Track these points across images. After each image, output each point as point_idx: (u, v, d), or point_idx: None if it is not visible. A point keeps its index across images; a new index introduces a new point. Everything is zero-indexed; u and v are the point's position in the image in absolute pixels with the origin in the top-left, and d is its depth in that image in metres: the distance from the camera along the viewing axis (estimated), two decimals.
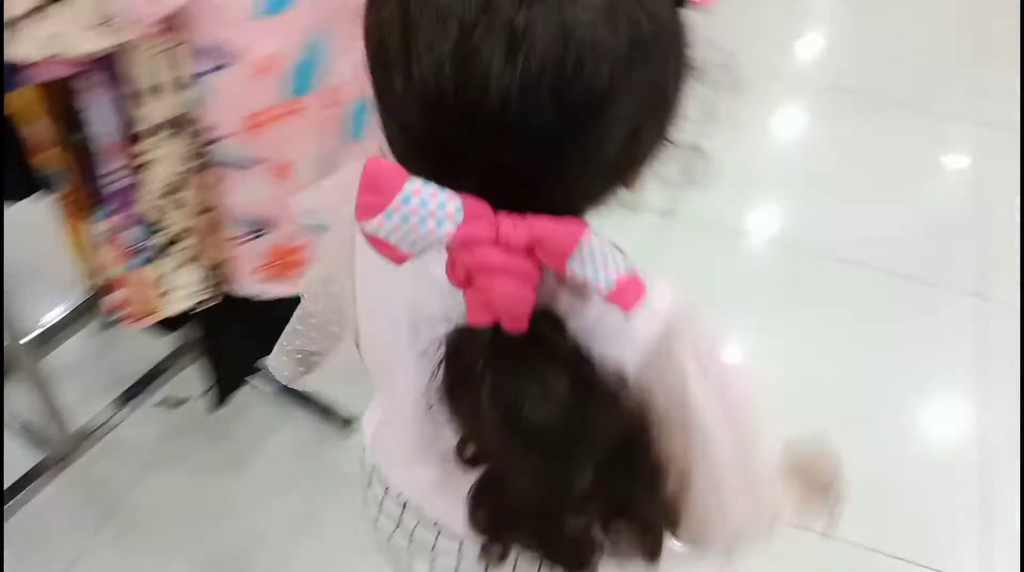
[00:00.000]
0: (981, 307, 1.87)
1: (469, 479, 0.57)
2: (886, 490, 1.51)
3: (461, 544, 0.71)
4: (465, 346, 0.50)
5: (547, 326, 0.49)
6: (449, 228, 0.45)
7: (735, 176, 1.62)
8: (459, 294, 0.49)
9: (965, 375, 1.73)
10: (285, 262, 1.06)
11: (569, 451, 0.50)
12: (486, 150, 0.45)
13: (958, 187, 2.19)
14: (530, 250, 0.46)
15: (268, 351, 0.81)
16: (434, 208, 0.45)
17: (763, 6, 2.69)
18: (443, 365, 0.51)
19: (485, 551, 0.60)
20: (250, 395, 1.53)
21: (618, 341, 0.51)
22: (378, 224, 0.46)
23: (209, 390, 1.33)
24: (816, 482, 0.66)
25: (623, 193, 0.51)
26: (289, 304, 0.93)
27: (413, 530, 0.74)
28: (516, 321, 0.48)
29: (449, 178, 0.46)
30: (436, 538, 0.72)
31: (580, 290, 0.50)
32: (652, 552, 0.57)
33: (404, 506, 0.74)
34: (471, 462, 0.56)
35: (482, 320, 0.48)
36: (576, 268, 0.47)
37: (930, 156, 2.30)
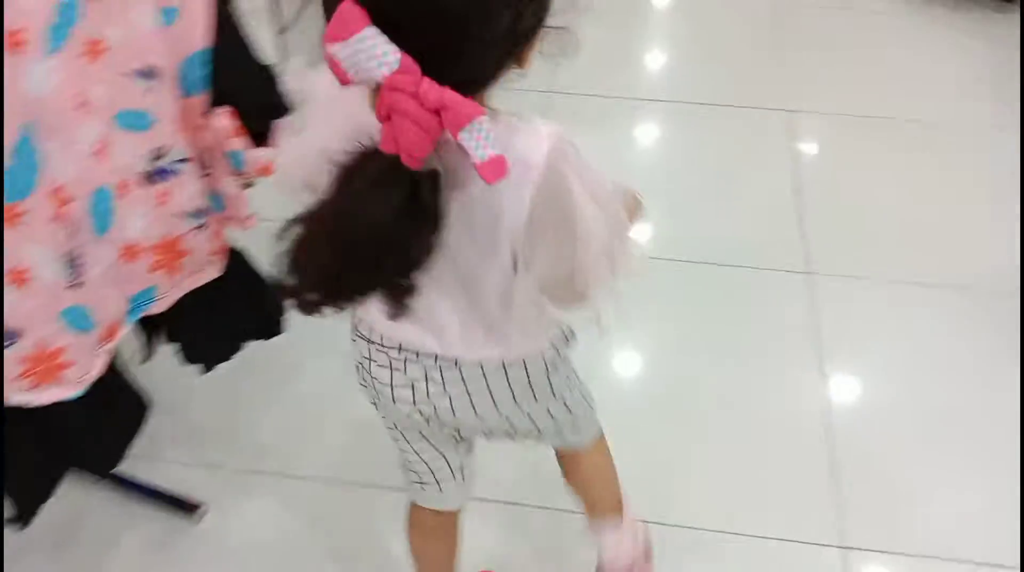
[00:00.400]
0: (813, 284, 1.94)
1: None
2: (747, 469, 1.58)
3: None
4: (371, 161, 0.67)
5: (429, 178, 0.68)
6: (385, 71, 0.62)
7: None
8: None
9: (808, 349, 1.80)
10: (49, 367, 1.07)
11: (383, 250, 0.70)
12: (417, 27, 0.63)
13: (780, 173, 2.28)
14: (436, 112, 0.63)
15: (62, 459, 0.83)
16: (379, 53, 0.62)
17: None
18: (349, 161, 0.68)
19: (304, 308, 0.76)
20: (90, 499, 1.52)
21: (517, 187, 0.71)
22: (336, 50, 0.62)
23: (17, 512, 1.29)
24: (631, 209, 0.87)
25: (516, 71, 0.71)
26: (77, 410, 0.93)
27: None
28: (412, 160, 0.65)
29: (397, 42, 0.62)
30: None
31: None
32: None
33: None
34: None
35: (389, 150, 0.66)
36: (464, 138, 0.64)
37: (752, 148, 2.40)
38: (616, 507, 1.26)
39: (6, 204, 0.95)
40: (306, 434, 1.68)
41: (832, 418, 1.68)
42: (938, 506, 1.54)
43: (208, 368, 1.45)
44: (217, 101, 1.15)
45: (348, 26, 0.61)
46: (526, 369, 0.93)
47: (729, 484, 1.59)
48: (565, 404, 1.02)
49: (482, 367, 0.91)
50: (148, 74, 1.04)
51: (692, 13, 3.09)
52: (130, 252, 1.14)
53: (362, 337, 0.95)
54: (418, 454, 1.06)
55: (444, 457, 1.07)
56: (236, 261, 1.35)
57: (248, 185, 1.31)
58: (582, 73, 2.66)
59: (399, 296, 0.78)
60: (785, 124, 2.47)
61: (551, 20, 0.71)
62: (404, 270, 0.74)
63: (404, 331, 0.89)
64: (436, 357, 0.91)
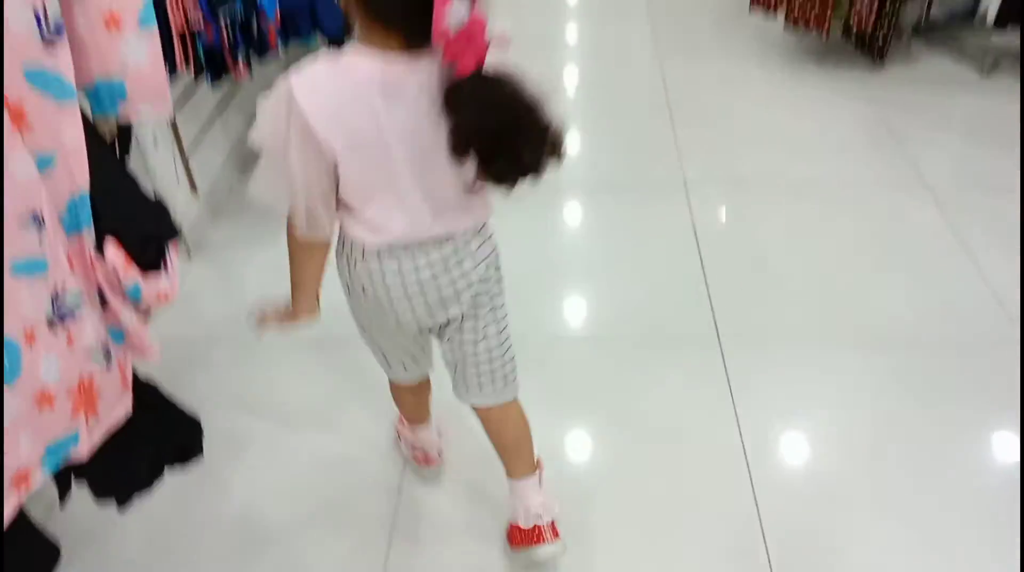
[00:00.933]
0: (720, 346, 1.99)
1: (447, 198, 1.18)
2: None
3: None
4: (462, 85, 1.02)
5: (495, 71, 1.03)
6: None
7: None
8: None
9: (722, 406, 1.83)
10: None
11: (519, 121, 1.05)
12: None
13: (681, 242, 2.37)
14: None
15: None
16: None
17: None
18: (451, 104, 1.03)
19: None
20: None
21: None
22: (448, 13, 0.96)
23: None
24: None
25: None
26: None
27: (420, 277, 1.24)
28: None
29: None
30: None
31: None
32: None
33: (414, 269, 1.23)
34: (461, 152, 1.05)
35: (470, 69, 1.00)
36: None
37: (653, 223, 2.49)
38: (533, 465, 1.51)
39: None
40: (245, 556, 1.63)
41: (757, 491, 1.66)
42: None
43: (124, 502, 1.42)
44: (104, 235, 1.17)
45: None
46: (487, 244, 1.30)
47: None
48: (500, 322, 1.36)
49: (463, 237, 1.25)
50: (35, 219, 1.07)
51: (589, 98, 3.24)
52: (45, 398, 1.14)
53: (370, 258, 1.21)
54: (383, 351, 1.44)
55: (403, 349, 1.44)
56: (144, 391, 1.35)
57: (147, 314, 1.32)
58: None
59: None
60: (682, 194, 2.58)
61: None
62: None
63: (430, 226, 1.20)
64: (437, 240, 1.22)
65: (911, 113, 2.96)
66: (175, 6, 2.10)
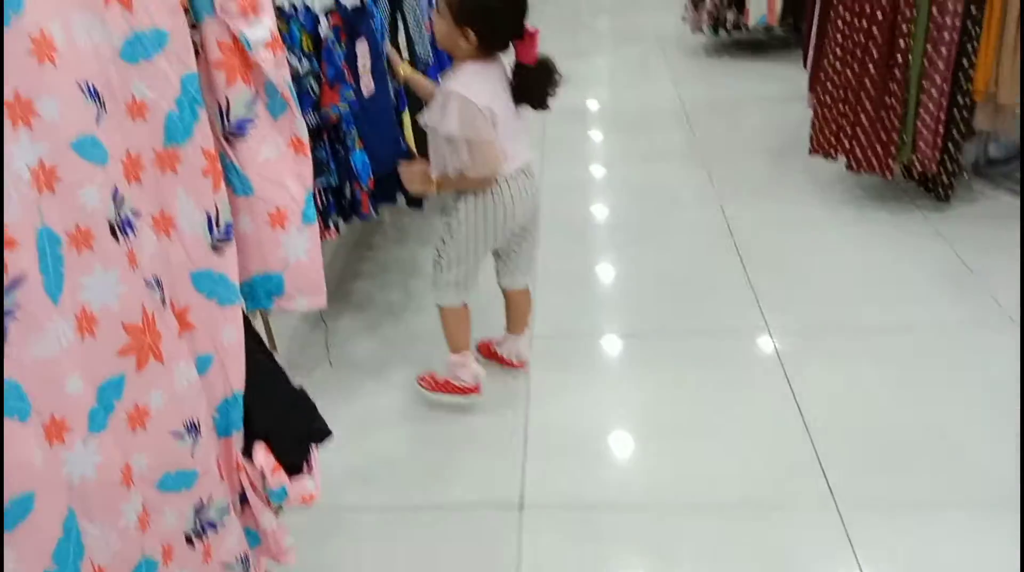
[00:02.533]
0: (841, 516, 1.88)
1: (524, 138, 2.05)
2: None
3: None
4: (526, 70, 1.91)
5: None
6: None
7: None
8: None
9: None
10: None
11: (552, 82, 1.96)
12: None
13: (773, 397, 2.29)
14: None
15: None
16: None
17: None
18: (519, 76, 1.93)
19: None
20: None
21: None
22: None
23: None
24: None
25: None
26: None
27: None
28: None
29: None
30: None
31: None
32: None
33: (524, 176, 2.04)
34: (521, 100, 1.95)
35: (528, 60, 1.90)
36: None
37: (741, 375, 2.42)
38: (525, 325, 2.36)
39: None
40: None
41: None
42: None
43: None
44: (253, 437, 1.11)
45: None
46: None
47: None
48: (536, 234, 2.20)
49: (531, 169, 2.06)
50: (191, 429, 1.01)
51: (651, 242, 3.23)
52: None
53: (503, 189, 1.98)
54: (471, 265, 2.11)
55: (480, 264, 2.15)
56: None
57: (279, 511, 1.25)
58: (553, 315, 2.73)
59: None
60: (768, 342, 2.51)
61: None
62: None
63: (519, 155, 2.00)
64: (527, 165, 2.04)
65: (982, 248, 2.92)
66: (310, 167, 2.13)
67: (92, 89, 0.85)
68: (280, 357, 2.46)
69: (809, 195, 3.47)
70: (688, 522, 1.91)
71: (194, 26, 1.01)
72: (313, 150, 2.11)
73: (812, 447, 2.09)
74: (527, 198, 2.05)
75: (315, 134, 2.12)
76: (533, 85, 1.94)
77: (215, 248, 1.04)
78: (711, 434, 2.18)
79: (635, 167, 3.99)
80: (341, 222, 2.30)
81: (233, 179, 1.09)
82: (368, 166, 2.21)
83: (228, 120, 1.05)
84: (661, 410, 2.30)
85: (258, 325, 2.38)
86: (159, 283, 0.96)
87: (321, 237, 2.26)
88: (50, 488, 0.81)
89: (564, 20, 6.99)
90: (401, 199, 2.58)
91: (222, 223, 1.04)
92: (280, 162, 1.11)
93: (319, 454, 1.21)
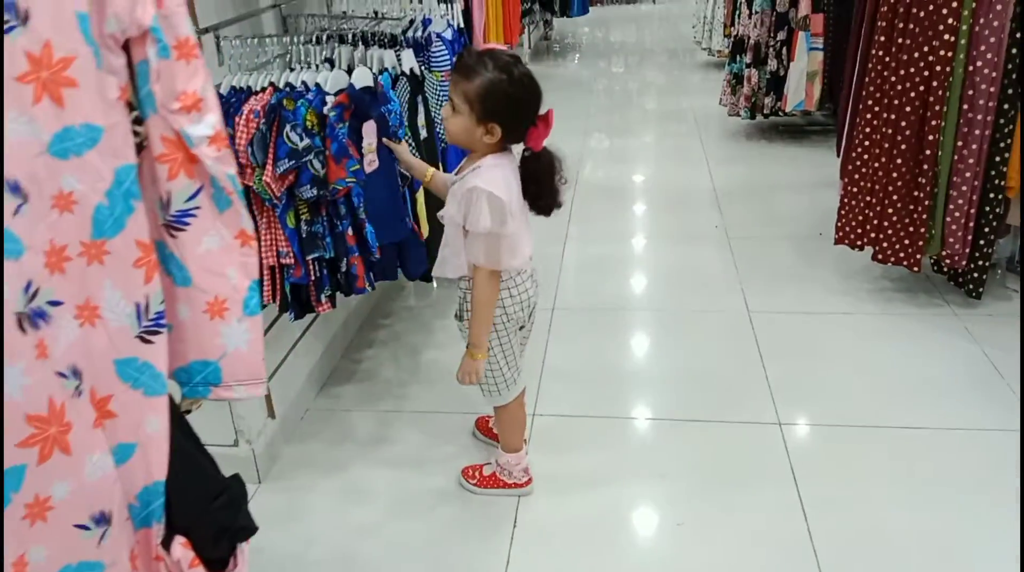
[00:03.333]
0: None
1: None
2: None
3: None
4: (537, 158, 1.89)
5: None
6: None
7: None
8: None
9: None
10: None
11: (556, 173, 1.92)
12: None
13: (784, 492, 2.19)
14: None
15: None
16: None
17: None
18: (526, 164, 1.91)
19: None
20: None
21: None
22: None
23: None
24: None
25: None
26: None
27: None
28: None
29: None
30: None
31: None
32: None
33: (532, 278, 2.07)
34: (536, 198, 1.94)
35: (539, 147, 1.88)
36: None
37: (751, 465, 2.33)
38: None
39: None
40: None
41: None
42: None
43: None
44: (173, 531, 1.10)
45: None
46: None
47: None
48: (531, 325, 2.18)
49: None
50: (100, 520, 1.00)
51: (669, 325, 3.17)
52: None
53: (516, 282, 1.99)
54: (516, 358, 2.10)
55: (518, 354, 2.13)
56: None
57: None
58: (567, 396, 2.68)
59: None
60: (779, 438, 2.42)
61: None
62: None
63: (528, 247, 1.98)
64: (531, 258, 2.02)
65: (1013, 350, 2.80)
66: (268, 247, 2.16)
67: (13, 183, 0.87)
68: (278, 422, 2.48)
69: (834, 285, 3.39)
70: None
71: (142, 122, 1.04)
72: (310, 224, 2.17)
73: (813, 553, 1.99)
74: (533, 286, 2.05)
75: (313, 208, 2.15)
76: (543, 177, 1.90)
77: (142, 338, 1.04)
78: (710, 532, 2.11)
79: (663, 246, 3.97)
80: (338, 295, 2.31)
81: (172, 269, 1.10)
82: (374, 235, 2.23)
83: (169, 211, 1.07)
84: (660, 502, 2.23)
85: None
86: (76, 372, 0.97)
87: (315, 309, 2.28)
88: None
89: (615, 99, 7.11)
90: (401, 276, 2.58)
91: (152, 312, 1.04)
92: (223, 253, 1.11)
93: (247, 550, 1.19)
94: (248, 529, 1.16)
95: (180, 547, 1.09)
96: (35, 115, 0.89)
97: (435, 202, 2.76)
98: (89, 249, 0.97)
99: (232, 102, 2.12)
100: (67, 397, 0.94)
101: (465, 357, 2.01)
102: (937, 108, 2.90)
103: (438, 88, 2.79)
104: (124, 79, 1.01)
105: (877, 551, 2.00)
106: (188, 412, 1.18)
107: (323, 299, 2.22)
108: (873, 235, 3.19)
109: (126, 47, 1.02)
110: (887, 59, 3.03)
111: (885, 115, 3.06)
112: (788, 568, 1.97)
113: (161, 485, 1.07)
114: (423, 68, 2.68)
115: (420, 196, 2.63)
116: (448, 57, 2.83)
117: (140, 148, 1.04)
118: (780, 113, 5.11)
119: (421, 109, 2.65)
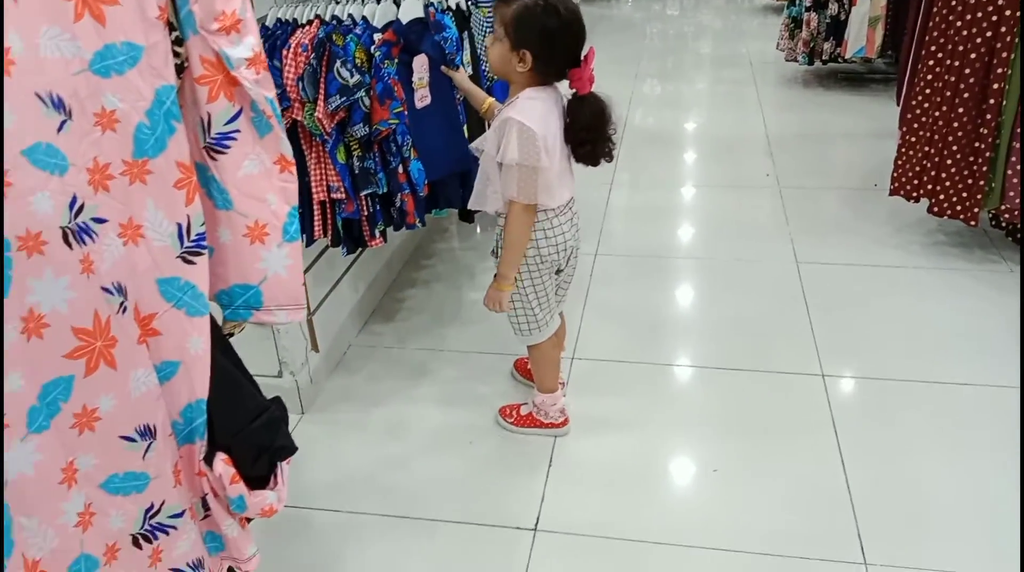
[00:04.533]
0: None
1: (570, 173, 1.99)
2: None
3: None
4: (587, 100, 1.84)
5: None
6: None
7: None
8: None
9: None
10: None
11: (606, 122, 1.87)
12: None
13: (823, 447, 2.18)
14: None
15: None
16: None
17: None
18: (572, 109, 1.87)
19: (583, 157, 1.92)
20: None
21: None
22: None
23: None
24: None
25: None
26: None
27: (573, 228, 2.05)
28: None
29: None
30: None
31: None
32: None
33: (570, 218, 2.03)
34: (579, 145, 1.88)
35: (584, 90, 1.82)
36: None
37: (792, 417, 2.31)
38: (562, 348, 2.37)
39: None
40: None
41: None
42: None
43: None
44: (215, 447, 1.13)
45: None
46: None
47: None
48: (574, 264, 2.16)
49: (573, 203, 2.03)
50: (145, 433, 1.03)
51: (714, 273, 3.13)
52: None
53: (553, 224, 1.96)
54: (549, 299, 2.09)
55: (552, 294, 2.11)
56: None
57: (248, 520, 1.26)
58: (607, 341, 2.68)
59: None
60: (821, 389, 2.39)
61: None
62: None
63: (568, 189, 1.97)
64: (571, 201, 2.01)
65: None
66: (318, 182, 2.17)
67: (56, 99, 0.88)
68: (322, 356, 2.53)
69: (886, 237, 3.30)
70: (708, 565, 1.84)
71: (182, 43, 1.04)
72: (363, 160, 2.17)
73: (851, 505, 1.98)
74: (572, 230, 2.02)
75: (366, 145, 2.15)
76: (588, 122, 1.84)
77: (184, 258, 1.06)
78: (748, 480, 2.10)
79: (712, 194, 3.90)
80: (390, 230, 2.32)
81: (213, 192, 1.11)
82: (423, 174, 2.23)
83: (209, 134, 1.07)
84: (699, 448, 2.23)
85: (304, 326, 2.44)
86: (121, 289, 0.99)
87: (367, 244, 2.30)
88: None
89: (669, 43, 6.94)
90: (454, 212, 2.59)
91: (193, 234, 1.06)
92: (263, 178, 1.12)
93: (289, 468, 1.22)
94: (287, 448, 1.19)
95: (221, 463, 1.12)
96: (77, 32, 0.90)
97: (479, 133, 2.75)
98: (131, 168, 0.98)
99: (278, 34, 2.11)
100: (112, 313, 0.97)
101: (491, 285, 2.02)
102: (1004, 55, 2.77)
103: (484, 24, 2.74)
104: None
105: (914, 504, 1.98)
106: (231, 335, 1.20)
107: (376, 234, 2.23)
108: (930, 187, 3.09)
109: None
110: (953, 2, 2.89)
111: (948, 62, 2.93)
112: (824, 517, 1.96)
113: (203, 403, 1.10)
114: (469, 3, 2.64)
115: (463, 131, 2.62)
116: None
117: (180, 70, 1.04)
118: (839, 59, 4.94)
119: (467, 45, 2.61)
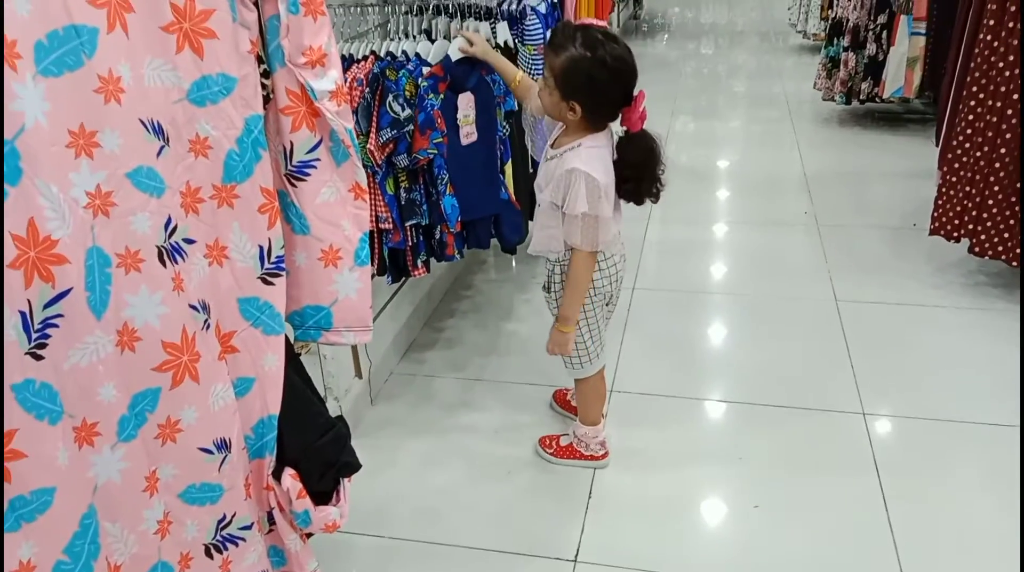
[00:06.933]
0: None
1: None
2: None
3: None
4: (636, 139, 1.85)
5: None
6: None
7: None
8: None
9: None
10: None
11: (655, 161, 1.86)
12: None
13: (865, 485, 2.16)
14: None
15: None
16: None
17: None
18: (622, 147, 1.88)
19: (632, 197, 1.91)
20: None
21: None
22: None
23: None
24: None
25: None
26: None
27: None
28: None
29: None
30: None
31: None
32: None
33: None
34: (623, 182, 1.88)
35: (635, 128, 1.81)
36: None
37: (832, 454, 2.30)
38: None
39: None
40: None
41: None
42: None
43: None
44: (283, 462, 1.16)
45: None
46: None
47: None
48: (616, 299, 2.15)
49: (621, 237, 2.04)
50: (221, 446, 1.07)
51: (754, 310, 3.14)
52: None
53: (606, 256, 1.98)
54: (600, 332, 2.10)
55: (603, 329, 2.13)
56: None
57: (309, 535, 1.29)
58: (646, 375, 2.69)
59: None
60: (863, 428, 2.39)
61: None
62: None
63: (618, 223, 1.95)
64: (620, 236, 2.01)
65: None
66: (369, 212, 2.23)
67: (156, 126, 0.94)
68: (364, 383, 2.57)
69: (926, 277, 3.29)
70: None
71: (269, 75, 1.10)
72: (408, 191, 2.23)
73: (894, 545, 1.97)
74: (622, 261, 2.06)
75: (411, 176, 2.21)
76: (635, 160, 1.84)
77: (264, 279, 1.10)
78: (787, 515, 2.09)
79: (751, 231, 3.92)
80: (432, 261, 2.37)
81: (292, 217, 1.16)
82: (457, 210, 2.28)
83: (291, 162, 1.13)
84: (739, 484, 2.22)
85: (347, 352, 2.49)
86: (205, 307, 1.04)
87: (411, 273, 2.35)
88: (72, 486, 0.89)
89: (704, 82, 7.00)
90: (495, 245, 2.63)
91: (273, 256, 1.10)
92: (338, 205, 1.17)
93: (351, 487, 1.25)
94: (352, 465, 1.22)
95: (289, 478, 1.16)
96: (177, 63, 0.96)
97: (524, 174, 2.79)
98: (220, 192, 1.04)
99: None
100: (198, 329, 1.01)
101: (554, 329, 2.04)
102: None
103: (530, 61, 2.81)
104: (255, 33, 1.07)
105: (958, 546, 1.96)
106: (299, 354, 1.24)
107: (419, 264, 2.28)
108: (971, 227, 3.09)
109: (256, 3, 1.07)
110: (995, 43, 2.91)
111: (990, 103, 2.95)
112: (866, 557, 1.95)
113: (275, 419, 1.14)
114: (517, 41, 2.71)
115: (508, 168, 2.67)
116: (541, 31, 2.85)
117: (266, 101, 1.10)
118: (877, 99, 4.96)
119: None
